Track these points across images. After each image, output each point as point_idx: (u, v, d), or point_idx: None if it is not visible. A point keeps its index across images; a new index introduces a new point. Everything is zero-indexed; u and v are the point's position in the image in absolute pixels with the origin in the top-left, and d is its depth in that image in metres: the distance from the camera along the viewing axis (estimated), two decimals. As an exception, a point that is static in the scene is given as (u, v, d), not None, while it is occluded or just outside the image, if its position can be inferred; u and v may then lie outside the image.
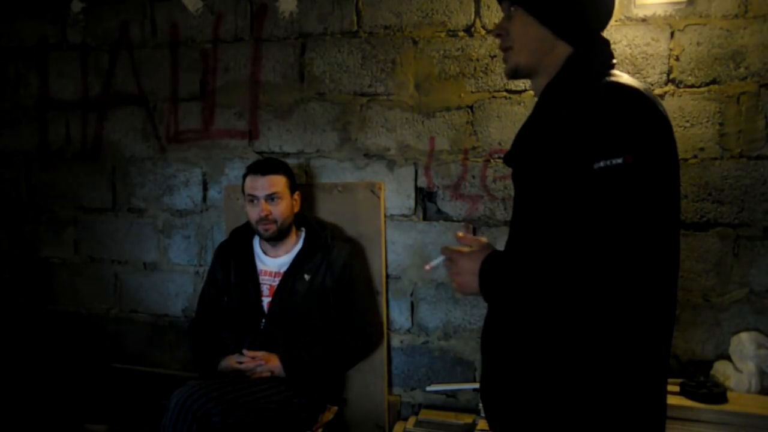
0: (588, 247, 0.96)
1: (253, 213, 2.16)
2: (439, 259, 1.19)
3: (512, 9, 1.16)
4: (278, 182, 2.16)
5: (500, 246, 2.39)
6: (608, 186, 0.95)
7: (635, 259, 0.93)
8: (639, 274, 0.94)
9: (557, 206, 1.04)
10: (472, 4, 2.27)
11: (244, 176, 2.21)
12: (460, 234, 1.23)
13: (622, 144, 0.95)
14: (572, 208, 1.00)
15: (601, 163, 0.95)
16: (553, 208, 1.05)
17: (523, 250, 1.15)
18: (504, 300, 1.11)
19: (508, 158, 1.21)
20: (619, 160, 0.94)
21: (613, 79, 1.07)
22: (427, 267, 1.23)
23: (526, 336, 1.10)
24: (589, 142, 0.98)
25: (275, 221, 2.15)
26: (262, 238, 2.22)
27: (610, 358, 1.03)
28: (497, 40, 1.22)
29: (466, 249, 1.15)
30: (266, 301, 2.18)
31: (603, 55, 1.14)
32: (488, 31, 2.25)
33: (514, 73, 1.20)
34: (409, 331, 2.43)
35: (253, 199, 2.16)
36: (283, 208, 2.16)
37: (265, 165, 2.19)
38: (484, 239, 1.18)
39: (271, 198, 2.14)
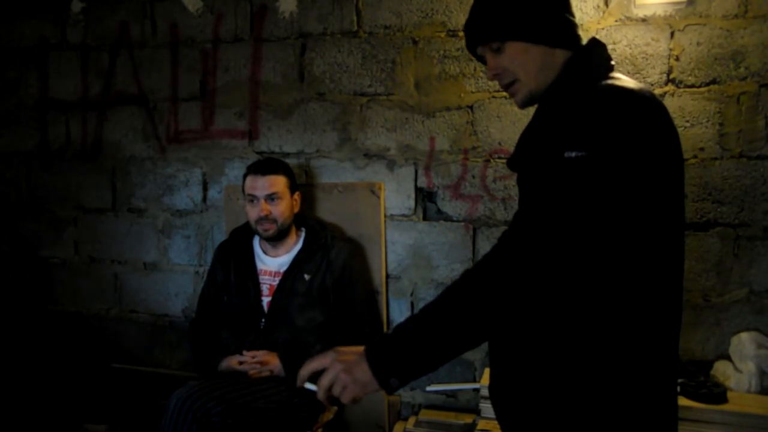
0: (560, 243, 0.95)
1: (253, 213, 2.16)
2: (313, 387, 1.08)
3: (498, 45, 1.15)
4: (278, 182, 2.16)
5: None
6: (572, 176, 0.95)
7: (611, 258, 0.94)
8: (628, 274, 0.95)
9: (540, 199, 1.03)
10: (472, 3, 2.26)
11: (245, 176, 2.21)
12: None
13: (596, 138, 0.95)
14: (542, 195, 1.00)
15: (573, 154, 0.95)
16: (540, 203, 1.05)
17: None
18: (426, 337, 0.99)
19: (511, 162, 1.21)
20: (583, 153, 0.94)
21: (609, 81, 1.07)
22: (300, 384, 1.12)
23: (532, 337, 1.10)
24: (566, 133, 0.98)
25: (275, 221, 2.15)
26: (261, 237, 2.22)
27: (616, 361, 1.03)
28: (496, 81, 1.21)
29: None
30: (266, 300, 2.18)
31: (600, 58, 1.15)
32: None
33: (528, 101, 1.18)
34: (409, 331, 2.43)
35: (252, 198, 2.16)
36: (283, 208, 2.16)
37: (265, 165, 2.19)
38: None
39: (270, 198, 2.14)
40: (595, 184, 0.93)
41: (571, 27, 1.16)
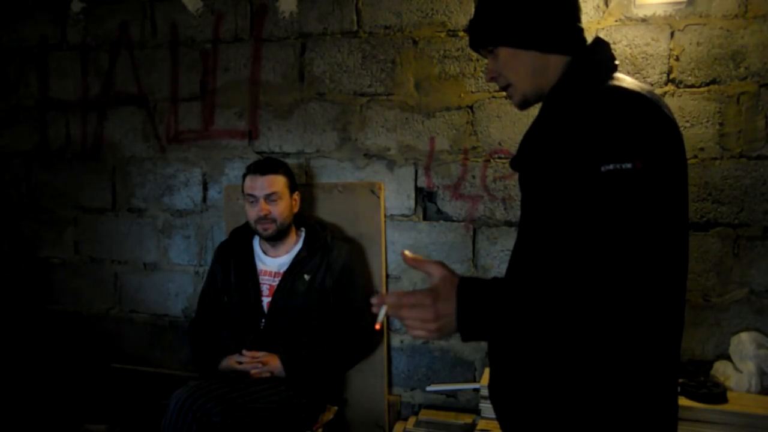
0: (592, 253, 0.95)
1: (252, 213, 2.16)
2: (381, 312, 0.99)
3: (492, 49, 1.18)
4: (278, 182, 2.16)
5: (501, 246, 2.38)
6: (616, 190, 0.94)
7: (641, 264, 0.93)
8: (645, 277, 0.93)
9: (561, 209, 1.03)
10: (472, 4, 2.26)
11: (244, 176, 2.21)
12: (408, 253, 1.02)
13: (632, 149, 0.95)
14: (576, 210, 1.00)
15: (610, 166, 0.94)
16: (557, 211, 1.05)
17: (511, 270, 1.14)
18: (496, 331, 1.00)
19: (514, 162, 1.21)
20: (629, 165, 0.93)
21: (615, 83, 1.07)
22: (377, 327, 1.03)
23: (533, 336, 1.10)
24: (597, 144, 0.97)
25: (274, 221, 2.15)
26: (261, 237, 2.22)
27: (620, 361, 1.03)
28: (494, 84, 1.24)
29: (409, 294, 0.97)
30: (266, 301, 2.18)
31: (603, 58, 1.14)
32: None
33: (524, 104, 1.20)
34: (409, 331, 2.43)
35: (252, 198, 2.16)
36: (282, 207, 2.16)
37: (265, 165, 2.19)
38: (437, 262, 0.99)
39: (270, 198, 2.14)
40: (643, 196, 0.94)
41: (569, 32, 1.15)
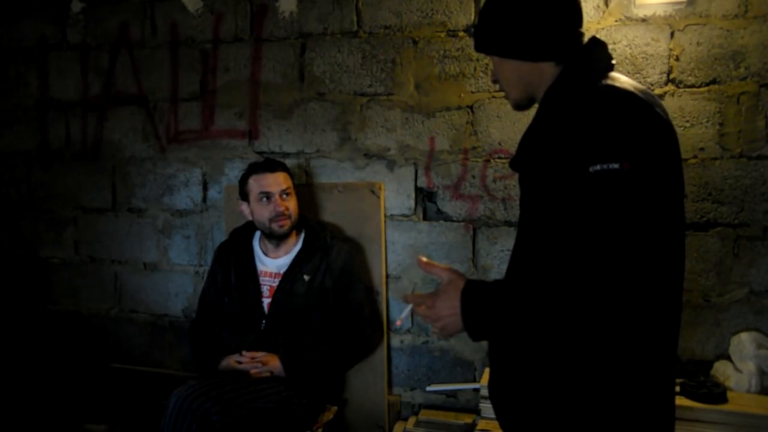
0: (583, 254, 0.96)
1: (266, 211, 2.15)
2: (407, 310, 1.16)
3: (491, 57, 1.24)
4: (287, 179, 2.19)
5: (501, 246, 2.38)
6: (603, 190, 0.95)
7: (629, 264, 0.93)
8: (634, 277, 0.94)
9: (555, 209, 1.04)
10: (472, 4, 2.27)
11: (247, 177, 2.20)
12: (424, 259, 1.15)
13: (619, 149, 0.95)
14: (568, 210, 1.00)
15: (597, 167, 0.95)
16: (552, 211, 1.05)
17: (511, 270, 1.18)
18: (499, 330, 1.09)
19: (514, 163, 1.22)
20: (616, 165, 0.94)
21: (609, 82, 1.07)
22: (398, 323, 1.25)
23: (532, 336, 1.10)
24: (585, 144, 0.98)
25: (290, 216, 2.16)
26: (274, 235, 2.19)
27: (615, 360, 1.03)
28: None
29: (429, 294, 1.10)
30: (266, 301, 2.17)
31: (598, 58, 1.14)
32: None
33: (518, 107, 1.25)
34: (409, 331, 2.43)
35: (267, 196, 2.14)
36: (295, 203, 2.20)
37: (271, 163, 2.20)
38: (448, 267, 1.12)
39: (285, 193, 2.16)
40: (630, 196, 0.94)
41: (560, 40, 1.14)
